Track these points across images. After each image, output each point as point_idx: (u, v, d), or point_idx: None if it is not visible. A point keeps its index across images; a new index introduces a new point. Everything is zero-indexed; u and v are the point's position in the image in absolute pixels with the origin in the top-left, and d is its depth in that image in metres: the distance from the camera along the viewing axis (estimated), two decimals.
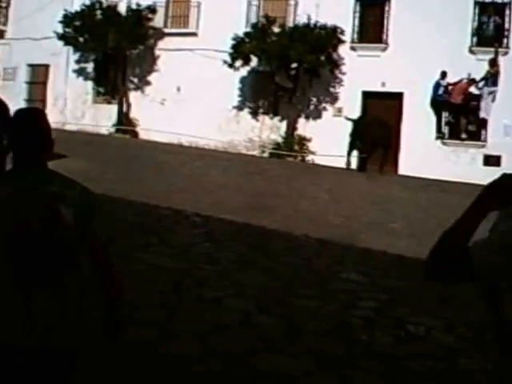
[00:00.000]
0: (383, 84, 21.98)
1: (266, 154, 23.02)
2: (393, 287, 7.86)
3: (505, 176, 2.02)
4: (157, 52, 25.16)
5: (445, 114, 22.06)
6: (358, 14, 23.00)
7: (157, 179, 14.56)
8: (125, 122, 24.91)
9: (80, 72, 26.30)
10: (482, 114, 21.47)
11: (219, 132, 23.51)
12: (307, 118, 23.28)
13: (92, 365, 4.25)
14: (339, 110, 22.42)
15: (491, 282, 2.07)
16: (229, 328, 6.09)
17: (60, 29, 24.42)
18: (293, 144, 22.72)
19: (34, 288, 2.84)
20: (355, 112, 21.30)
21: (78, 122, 25.58)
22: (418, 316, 6.82)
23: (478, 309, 3.59)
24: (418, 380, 5.38)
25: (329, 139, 21.14)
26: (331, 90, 23.04)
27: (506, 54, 21.52)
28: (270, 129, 23.58)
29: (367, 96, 22.50)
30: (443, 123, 22.08)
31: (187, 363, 5.22)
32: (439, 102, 21.66)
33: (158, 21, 24.75)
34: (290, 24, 22.96)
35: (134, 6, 24.40)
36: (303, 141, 22.83)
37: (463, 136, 21.86)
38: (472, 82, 21.41)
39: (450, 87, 21.63)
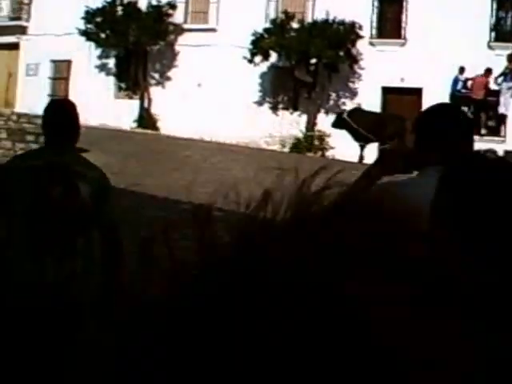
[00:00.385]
0: (402, 79, 22.04)
1: (286, 149, 23.13)
2: None
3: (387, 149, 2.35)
4: (177, 48, 25.39)
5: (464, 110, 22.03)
6: (376, 10, 23.07)
7: (178, 173, 14.74)
8: (146, 117, 25.19)
9: (102, 68, 26.62)
10: (501, 110, 21.47)
11: (240, 127, 23.63)
12: (327, 113, 23.35)
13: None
14: (358, 106, 22.46)
15: None
16: None
17: (82, 25, 24.77)
18: (313, 139, 22.85)
19: (46, 248, 3.18)
20: (375, 107, 21.38)
21: (99, 117, 25.82)
22: None
23: None
24: None
25: (348, 135, 21.18)
26: (350, 85, 23.14)
27: None
28: (290, 124, 23.68)
29: (387, 92, 22.57)
30: None
31: None
32: (458, 98, 21.63)
33: (177, 17, 25.00)
34: (309, 19, 23.08)
35: (154, 2, 24.70)
36: (323, 136, 22.96)
37: (483, 132, 21.84)
38: (488, 73, 21.33)
39: (470, 82, 21.62)
